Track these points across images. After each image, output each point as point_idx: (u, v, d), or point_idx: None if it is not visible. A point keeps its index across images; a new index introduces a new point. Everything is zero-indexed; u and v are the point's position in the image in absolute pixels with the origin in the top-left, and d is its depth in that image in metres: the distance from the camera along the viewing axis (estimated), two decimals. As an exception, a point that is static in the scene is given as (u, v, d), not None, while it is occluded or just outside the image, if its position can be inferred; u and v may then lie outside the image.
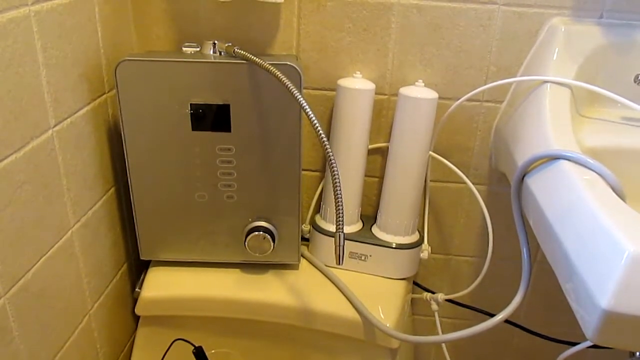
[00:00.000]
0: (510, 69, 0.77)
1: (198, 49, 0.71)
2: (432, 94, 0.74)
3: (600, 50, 0.71)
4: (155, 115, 0.69)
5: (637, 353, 0.61)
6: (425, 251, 0.83)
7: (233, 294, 0.77)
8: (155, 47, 0.80)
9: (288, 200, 0.75)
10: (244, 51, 0.66)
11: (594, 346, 0.58)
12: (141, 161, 0.72)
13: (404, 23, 0.76)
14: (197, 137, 0.71)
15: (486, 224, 0.83)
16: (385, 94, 0.81)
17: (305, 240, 0.86)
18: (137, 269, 0.86)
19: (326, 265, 0.82)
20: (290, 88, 0.61)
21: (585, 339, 0.46)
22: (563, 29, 0.71)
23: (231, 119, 0.70)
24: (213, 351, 0.82)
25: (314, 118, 0.60)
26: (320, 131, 0.60)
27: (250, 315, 0.78)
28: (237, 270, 0.81)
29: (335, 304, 0.76)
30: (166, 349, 0.78)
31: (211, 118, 0.70)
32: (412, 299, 0.94)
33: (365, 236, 0.81)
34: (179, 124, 0.70)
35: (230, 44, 0.69)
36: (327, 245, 0.82)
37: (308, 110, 0.60)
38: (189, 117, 0.70)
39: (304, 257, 0.84)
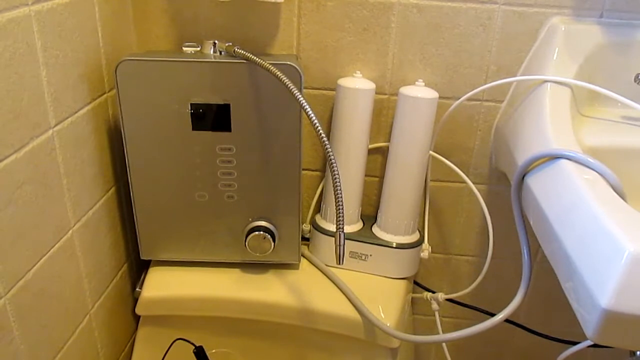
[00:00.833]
0: (511, 68, 0.77)
1: (198, 49, 0.71)
2: (432, 94, 0.74)
3: (601, 49, 0.71)
4: (156, 115, 0.69)
5: (638, 352, 0.61)
6: (425, 251, 0.83)
7: (233, 294, 0.77)
8: (156, 47, 0.80)
9: (288, 200, 0.75)
10: (244, 51, 0.66)
11: (594, 345, 0.58)
12: (141, 161, 0.72)
13: (404, 22, 0.76)
14: (197, 137, 0.71)
15: (486, 224, 0.83)
16: (386, 94, 0.81)
17: (305, 239, 0.86)
18: (138, 268, 0.86)
19: (326, 265, 0.82)
20: (291, 88, 0.61)
21: (585, 338, 0.46)
22: (563, 29, 0.71)
23: (231, 119, 0.70)
24: (214, 351, 0.82)
25: (314, 118, 0.60)
26: (320, 131, 0.60)
27: (251, 315, 0.78)
28: (238, 270, 0.81)
29: (335, 304, 0.76)
30: (167, 348, 0.78)
31: (211, 118, 0.70)
32: (413, 299, 0.94)
33: (365, 236, 0.81)
34: (179, 123, 0.70)
35: (230, 44, 0.69)
36: (327, 245, 0.82)
37: (308, 109, 0.60)
38: (189, 116, 0.70)
39: (304, 257, 0.84)
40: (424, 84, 0.75)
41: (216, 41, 0.70)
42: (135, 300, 0.79)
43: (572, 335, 0.86)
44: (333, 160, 0.60)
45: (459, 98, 0.77)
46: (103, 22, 0.70)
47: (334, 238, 0.62)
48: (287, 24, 0.77)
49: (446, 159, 0.82)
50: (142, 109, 0.69)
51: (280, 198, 0.75)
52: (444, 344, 0.94)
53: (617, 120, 0.70)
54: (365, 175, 0.82)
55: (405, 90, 0.74)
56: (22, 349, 0.57)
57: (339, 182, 0.60)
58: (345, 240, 0.78)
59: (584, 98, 0.70)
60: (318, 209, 0.87)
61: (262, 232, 0.75)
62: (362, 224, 0.84)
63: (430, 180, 0.86)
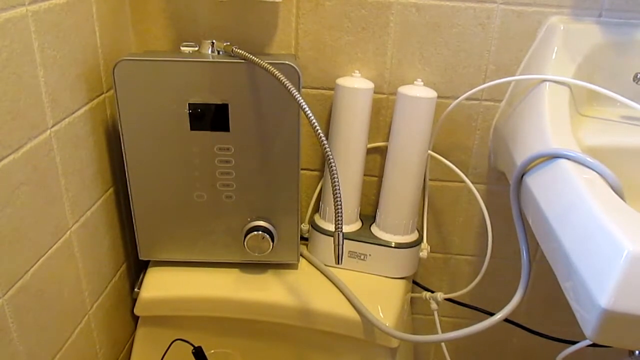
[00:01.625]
0: (509, 67, 0.77)
1: (196, 49, 0.70)
2: (431, 93, 0.74)
3: (599, 49, 0.71)
4: (154, 115, 0.69)
5: (637, 352, 0.61)
6: (424, 250, 0.83)
7: (232, 294, 0.77)
8: (153, 47, 0.80)
9: (287, 200, 0.75)
10: (242, 50, 0.66)
11: (594, 345, 0.58)
12: (140, 161, 0.72)
13: (403, 22, 0.76)
14: (195, 137, 0.71)
15: (485, 223, 0.83)
16: (384, 93, 0.81)
17: (304, 239, 0.86)
18: (136, 269, 0.86)
19: (325, 265, 0.82)
20: (289, 87, 0.61)
21: (584, 338, 0.46)
22: (562, 28, 0.71)
23: (230, 119, 0.70)
24: (212, 351, 0.82)
25: (312, 117, 0.60)
26: (319, 130, 0.60)
27: (250, 315, 0.78)
28: (236, 270, 0.81)
29: (334, 304, 0.76)
30: (165, 349, 0.78)
31: (210, 118, 0.70)
32: (412, 298, 0.94)
33: (364, 235, 0.81)
34: (177, 123, 0.70)
35: (228, 43, 0.69)
36: (326, 245, 0.82)
37: (307, 109, 0.60)
38: (188, 116, 0.69)
39: (303, 257, 0.84)
40: (422, 83, 0.75)
41: (214, 41, 0.70)
42: (134, 300, 0.79)
43: (571, 334, 0.86)
44: (332, 160, 0.60)
45: (458, 97, 0.77)
46: (101, 22, 0.69)
47: (332, 238, 0.62)
48: (286, 24, 0.77)
49: (445, 158, 0.81)
50: (140, 109, 0.69)
51: (279, 198, 0.75)
52: (443, 344, 0.94)
53: (616, 119, 0.70)
54: (364, 175, 0.82)
55: (404, 89, 0.74)
56: (20, 350, 0.57)
57: (338, 181, 0.60)
58: (344, 240, 0.78)
59: (583, 97, 0.70)
60: (317, 209, 0.87)
61: (260, 232, 0.75)
62: (361, 224, 0.84)
63: (429, 180, 0.86)
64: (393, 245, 0.80)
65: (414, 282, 0.93)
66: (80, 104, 0.66)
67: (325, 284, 0.80)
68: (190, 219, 0.76)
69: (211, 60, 0.67)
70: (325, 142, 0.60)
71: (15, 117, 0.53)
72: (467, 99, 0.80)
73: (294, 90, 0.61)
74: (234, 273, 0.80)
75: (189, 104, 0.69)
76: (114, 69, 0.66)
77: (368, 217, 0.85)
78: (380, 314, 0.75)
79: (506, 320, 0.67)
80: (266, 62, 0.63)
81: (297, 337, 0.81)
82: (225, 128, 0.70)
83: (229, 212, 0.76)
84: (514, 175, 0.61)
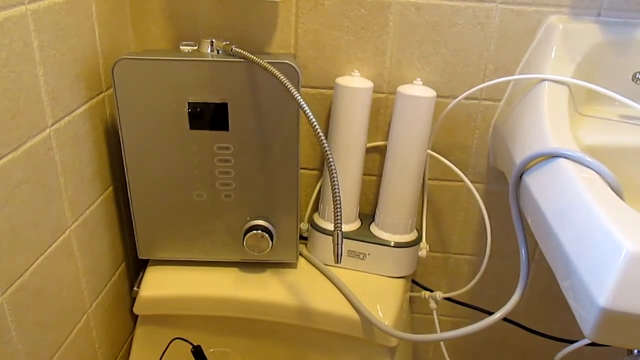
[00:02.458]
0: (508, 67, 0.77)
1: (195, 48, 0.70)
2: (430, 93, 0.74)
3: (598, 48, 0.71)
4: (153, 114, 0.69)
5: (635, 351, 0.61)
6: (423, 249, 0.83)
7: (231, 293, 0.77)
8: (153, 46, 0.80)
9: (286, 199, 0.75)
10: (241, 50, 0.66)
11: (592, 344, 0.58)
12: (139, 160, 0.72)
13: (402, 21, 0.76)
14: (194, 136, 0.71)
15: (484, 222, 0.83)
16: (383, 93, 0.81)
17: (303, 238, 0.86)
18: (135, 268, 0.86)
19: (325, 264, 0.82)
20: (288, 87, 0.61)
21: (583, 337, 0.46)
22: (561, 27, 0.71)
23: (229, 118, 0.70)
24: (211, 350, 0.82)
25: (312, 116, 0.60)
26: (318, 130, 0.60)
27: (249, 314, 0.78)
28: (236, 269, 0.81)
29: (333, 303, 0.76)
30: (164, 348, 0.78)
31: (209, 117, 0.70)
32: (411, 298, 0.94)
33: (363, 235, 0.81)
34: (176, 122, 0.70)
35: (227, 43, 0.69)
36: (325, 244, 0.82)
37: (306, 108, 0.60)
38: (187, 115, 0.69)
39: (302, 256, 0.84)
40: (422, 82, 0.75)
41: (213, 40, 0.70)
42: (133, 299, 0.79)
43: (570, 334, 0.86)
44: (331, 159, 0.60)
45: (457, 97, 0.77)
46: (100, 20, 0.69)
47: (332, 237, 0.62)
48: (285, 23, 0.77)
49: (444, 157, 0.82)
50: (140, 108, 0.69)
51: (278, 197, 0.75)
52: (442, 343, 0.94)
53: (615, 119, 0.70)
54: (363, 174, 0.82)
55: (403, 89, 0.74)
56: (19, 349, 0.57)
57: (337, 181, 0.60)
58: (344, 239, 0.78)
59: (582, 97, 0.70)
60: (316, 208, 0.87)
61: (260, 231, 0.75)
62: (360, 223, 0.84)
63: (429, 179, 0.86)
64: (392, 245, 0.80)
65: (413, 281, 0.93)
66: (80, 102, 0.66)
67: (325, 283, 0.80)
68: (189, 218, 0.76)
69: (210, 59, 0.67)
70: (324, 141, 0.60)
71: (14, 116, 0.53)
72: (467, 98, 0.80)
73: (294, 90, 0.61)
74: (233, 272, 0.80)
75: (188, 103, 0.69)
76: (113, 68, 0.66)
77: (367, 216, 0.85)
78: (380, 313, 0.75)
79: (505, 319, 0.67)
80: (265, 62, 0.63)
81: (296, 336, 0.81)
82: (225, 127, 0.70)
83: (228, 211, 0.76)
84: (513, 175, 0.61)
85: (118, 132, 0.70)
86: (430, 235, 0.91)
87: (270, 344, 0.82)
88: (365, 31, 0.77)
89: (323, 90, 0.81)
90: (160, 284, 0.78)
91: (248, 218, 0.76)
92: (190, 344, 0.75)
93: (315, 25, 0.77)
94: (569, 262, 0.46)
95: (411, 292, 0.92)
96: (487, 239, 0.80)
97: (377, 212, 0.82)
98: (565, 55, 0.70)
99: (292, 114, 0.70)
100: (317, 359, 0.81)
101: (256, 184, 0.74)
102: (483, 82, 0.78)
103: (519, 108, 0.71)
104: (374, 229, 0.82)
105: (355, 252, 0.81)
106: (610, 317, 0.41)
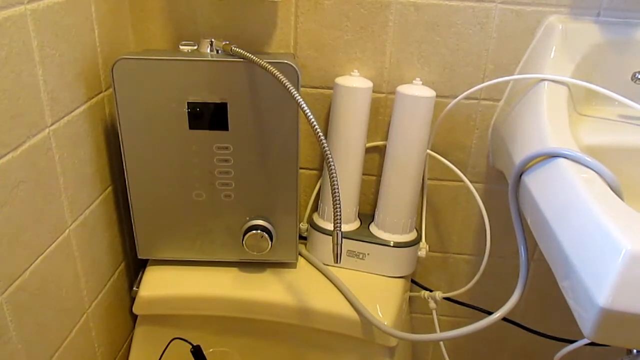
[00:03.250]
0: (508, 67, 0.77)
1: (195, 47, 0.70)
2: (430, 92, 0.74)
3: (598, 48, 0.71)
4: (153, 114, 0.69)
5: (634, 350, 0.61)
6: (423, 249, 0.83)
7: (231, 293, 0.77)
8: (152, 46, 0.80)
9: (286, 199, 0.75)
10: (241, 49, 0.66)
11: (592, 344, 0.59)
12: (138, 160, 0.72)
13: (402, 21, 0.76)
14: (194, 136, 0.71)
15: (484, 222, 0.83)
16: (383, 92, 0.81)
17: (303, 238, 0.86)
18: (135, 268, 0.86)
19: (324, 264, 0.82)
20: (288, 86, 0.61)
21: (582, 337, 0.46)
22: (560, 27, 0.71)
23: (228, 118, 0.70)
24: (211, 350, 0.82)
25: (311, 116, 0.60)
26: (318, 129, 0.60)
27: (248, 314, 0.78)
28: (235, 269, 0.81)
29: (333, 303, 0.76)
30: (164, 348, 0.78)
31: (208, 116, 0.70)
32: (410, 297, 0.94)
33: (363, 234, 0.81)
34: (176, 122, 0.70)
35: (227, 42, 0.68)
36: (325, 244, 0.82)
37: (305, 108, 0.60)
38: (186, 115, 0.69)
39: (301, 256, 0.84)
40: (421, 82, 0.75)
41: (213, 40, 0.70)
42: (133, 299, 0.79)
43: (569, 333, 0.86)
44: (330, 159, 0.60)
45: (457, 97, 0.77)
46: (100, 20, 0.69)
47: (331, 237, 0.62)
48: (285, 23, 0.77)
49: (444, 157, 0.82)
50: (139, 108, 0.69)
51: (278, 197, 0.75)
52: (441, 343, 0.95)
53: (614, 119, 0.70)
54: (363, 174, 0.82)
55: (403, 89, 0.74)
56: (19, 349, 0.57)
57: (337, 180, 0.60)
58: (343, 239, 0.78)
59: (581, 97, 0.70)
60: (316, 208, 0.87)
61: (259, 231, 0.75)
62: (359, 223, 0.84)
63: (428, 179, 0.86)
64: (392, 245, 0.80)
65: (413, 281, 0.93)
66: (79, 102, 0.66)
67: (324, 283, 0.80)
68: (189, 217, 0.76)
69: (210, 59, 0.67)
70: (324, 141, 0.60)
71: (14, 116, 0.53)
72: (466, 98, 0.80)
73: (293, 90, 0.61)
74: (233, 272, 0.80)
75: (187, 102, 0.69)
76: (112, 68, 0.66)
77: (367, 216, 0.85)
78: (379, 313, 0.75)
79: (504, 319, 0.67)
80: (265, 61, 0.63)
81: (295, 336, 0.81)
82: (224, 127, 0.70)
83: (228, 211, 0.76)
84: (512, 175, 0.61)
85: (117, 132, 0.70)
86: (429, 235, 0.91)
87: (270, 343, 0.82)
88: (364, 31, 0.77)
89: (322, 90, 0.81)
90: (159, 284, 0.78)
91: (247, 218, 0.76)
92: (190, 343, 0.75)
93: (315, 25, 0.77)
94: (569, 262, 0.46)
95: (411, 292, 0.92)
96: (486, 239, 0.80)
97: (376, 212, 0.82)
98: (564, 55, 0.70)
99: (292, 113, 0.70)
100: (316, 359, 0.81)
101: (256, 184, 0.74)
102: (482, 82, 0.78)
103: (519, 108, 0.71)
104: (373, 228, 0.82)
105: (354, 252, 0.81)
106: (610, 317, 0.41)
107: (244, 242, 0.76)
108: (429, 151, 0.80)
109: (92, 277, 0.72)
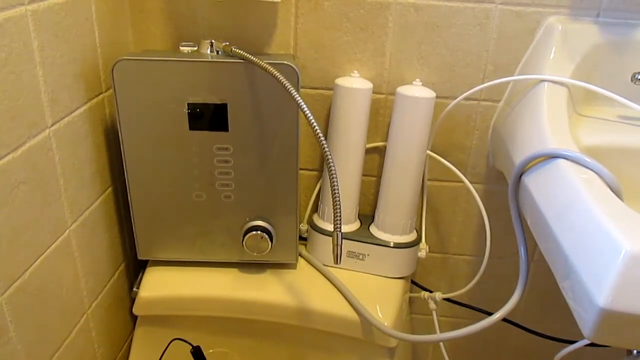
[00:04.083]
0: (508, 67, 0.78)
1: (195, 48, 0.70)
2: (430, 93, 0.74)
3: (597, 49, 0.71)
4: (153, 115, 0.69)
5: (635, 351, 0.61)
6: (423, 250, 0.83)
7: (231, 294, 0.77)
8: (153, 46, 0.80)
9: (286, 200, 0.75)
10: (241, 50, 0.66)
11: (592, 344, 0.59)
12: (138, 161, 0.72)
13: (402, 22, 0.76)
14: (194, 137, 0.71)
15: (484, 223, 0.83)
16: (383, 93, 0.81)
17: (303, 239, 0.86)
18: (135, 268, 0.86)
19: (324, 265, 0.82)
20: (288, 87, 0.61)
21: (582, 337, 0.46)
22: (560, 28, 0.71)
23: (229, 118, 0.70)
24: (211, 351, 0.82)
25: (311, 117, 0.60)
26: (318, 130, 0.60)
27: (248, 314, 0.78)
28: (235, 269, 0.81)
29: (333, 303, 0.76)
30: (164, 348, 0.78)
31: (208, 117, 0.70)
32: (410, 298, 0.94)
33: (363, 235, 0.81)
34: (176, 123, 0.70)
35: (227, 43, 0.69)
36: (325, 245, 0.82)
37: (305, 109, 0.60)
38: (187, 116, 0.69)
39: (301, 257, 0.84)
40: (421, 83, 0.75)
41: (213, 41, 0.70)
42: (133, 300, 0.79)
43: (569, 334, 0.86)
44: (330, 160, 0.60)
45: (457, 97, 0.77)
46: (100, 21, 0.69)
47: (331, 237, 0.62)
48: (285, 24, 0.77)
49: (444, 158, 0.82)
50: (139, 109, 0.69)
51: (278, 198, 0.75)
52: (441, 343, 0.94)
53: (614, 119, 0.70)
54: (363, 175, 0.82)
55: (403, 89, 0.74)
56: (19, 349, 0.57)
57: (337, 181, 0.60)
58: (343, 240, 0.78)
59: (581, 97, 0.70)
60: (315, 209, 0.87)
61: (259, 232, 0.75)
62: (359, 224, 0.84)
63: (428, 180, 0.86)
64: (392, 245, 0.80)
65: (413, 282, 0.93)
66: (79, 103, 0.66)
67: (324, 283, 0.80)
68: (189, 218, 0.76)
69: (210, 60, 0.67)
70: (324, 142, 0.60)
71: (14, 116, 0.53)
72: (466, 99, 0.80)
73: (293, 90, 0.61)
74: (233, 273, 0.80)
75: (188, 103, 0.69)
76: (113, 69, 0.66)
77: (367, 217, 0.85)
78: (379, 313, 0.75)
79: (504, 319, 0.67)
80: (265, 62, 0.63)
81: (295, 337, 0.81)
82: (224, 128, 0.70)
83: (228, 211, 0.76)
84: (512, 175, 0.61)
85: (118, 132, 0.70)
86: (429, 236, 0.91)
87: (270, 344, 0.82)
88: (364, 32, 0.77)
89: (322, 91, 0.81)
90: (159, 285, 0.78)
91: (247, 219, 0.76)
92: (190, 344, 0.75)
93: (315, 26, 0.77)
94: (568, 263, 0.46)
95: (410, 292, 0.92)
96: (486, 240, 0.80)
97: (376, 213, 0.82)
98: (564, 56, 0.70)
99: (292, 114, 0.70)
100: (316, 360, 0.81)
101: (256, 185, 0.74)
102: (482, 83, 0.78)
103: (518, 108, 0.71)
104: (373, 229, 0.82)
105: (354, 252, 0.81)
106: (610, 318, 0.41)
107: (244, 243, 0.76)
108: (429, 152, 0.80)
109: (92, 277, 0.72)
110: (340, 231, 0.61)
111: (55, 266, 0.63)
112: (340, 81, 0.75)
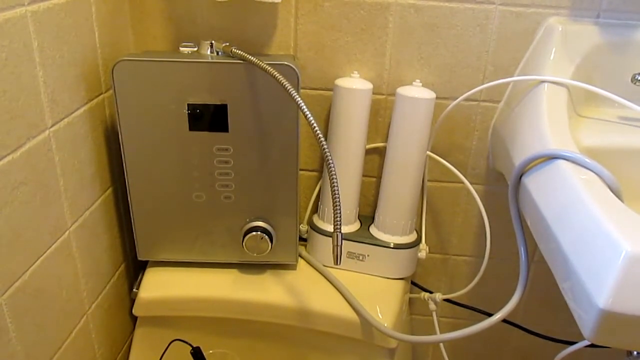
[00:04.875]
0: (508, 68, 0.78)
1: (195, 49, 0.71)
2: (430, 94, 0.74)
3: (597, 49, 0.71)
4: (153, 116, 0.69)
5: (635, 352, 0.61)
6: (423, 251, 0.83)
7: (231, 294, 0.77)
8: (153, 47, 0.80)
9: (286, 200, 0.75)
10: (241, 51, 0.66)
11: (592, 345, 0.59)
12: (138, 161, 0.72)
13: (401, 23, 0.76)
14: (194, 138, 0.71)
15: (484, 224, 0.83)
16: (383, 94, 0.81)
17: (303, 240, 0.86)
18: (135, 269, 0.86)
19: (324, 265, 0.82)
20: (288, 88, 0.61)
21: (582, 338, 0.46)
22: (560, 29, 0.71)
23: (229, 119, 0.70)
24: (211, 351, 0.82)
25: (311, 118, 0.60)
26: (318, 131, 0.60)
27: (248, 315, 0.78)
28: (235, 270, 0.81)
29: (333, 304, 0.76)
30: (164, 349, 0.78)
31: (208, 118, 0.70)
32: (410, 299, 0.94)
33: (363, 236, 0.81)
34: (176, 124, 0.70)
35: (227, 44, 0.69)
36: (324, 245, 0.82)
37: (305, 110, 0.60)
38: (187, 117, 0.70)
39: (301, 257, 0.84)
40: (421, 84, 0.75)
41: (213, 41, 0.70)
42: (133, 301, 0.79)
43: (569, 335, 0.86)
44: (330, 161, 0.60)
45: (457, 98, 0.77)
46: (100, 22, 0.69)
47: (331, 238, 0.62)
48: (285, 24, 0.77)
49: (444, 159, 0.82)
50: (139, 110, 0.69)
51: (278, 198, 0.75)
52: (441, 344, 0.94)
53: (614, 120, 0.70)
54: (363, 176, 0.82)
55: (403, 90, 0.74)
56: (18, 350, 0.57)
57: (337, 182, 0.60)
58: (343, 241, 0.78)
59: (581, 98, 0.70)
60: (315, 210, 0.87)
61: (259, 233, 0.75)
62: (359, 224, 0.84)
63: (428, 181, 0.86)
64: (392, 246, 0.80)
65: (413, 283, 0.93)
66: (79, 104, 0.66)
67: (324, 284, 0.80)
68: (189, 219, 0.76)
69: (210, 60, 0.67)
70: (324, 142, 0.60)
71: (14, 117, 0.53)
72: (466, 99, 0.80)
73: (293, 91, 0.61)
74: (233, 273, 0.80)
75: (188, 104, 0.69)
76: (113, 69, 0.66)
77: (367, 217, 0.85)
78: (379, 314, 0.75)
79: (504, 320, 0.67)
80: (265, 63, 0.63)
81: (295, 338, 0.81)
82: (224, 129, 0.70)
83: (228, 212, 0.76)
84: (512, 176, 0.61)
85: (118, 133, 0.70)
86: (429, 237, 0.91)
87: (270, 345, 0.82)
88: (364, 32, 0.77)
89: (322, 92, 0.81)
90: (159, 286, 0.78)
91: (247, 219, 0.76)
92: (190, 345, 0.75)
93: (315, 26, 0.77)
94: (569, 264, 0.46)
95: (410, 293, 0.92)
96: (486, 241, 0.80)
97: (376, 214, 0.82)
98: (564, 57, 0.70)
99: (292, 115, 0.70)
100: (316, 361, 0.81)
101: (256, 186, 0.74)
102: (482, 84, 0.78)
103: (518, 109, 0.71)
104: (373, 230, 0.82)
105: (354, 253, 0.81)
106: (610, 319, 0.41)
107: (244, 244, 0.76)
108: (429, 153, 0.80)
109: (92, 278, 0.72)
110: (340, 232, 0.61)
111: (55, 267, 0.63)
112: (340, 82, 0.75)
